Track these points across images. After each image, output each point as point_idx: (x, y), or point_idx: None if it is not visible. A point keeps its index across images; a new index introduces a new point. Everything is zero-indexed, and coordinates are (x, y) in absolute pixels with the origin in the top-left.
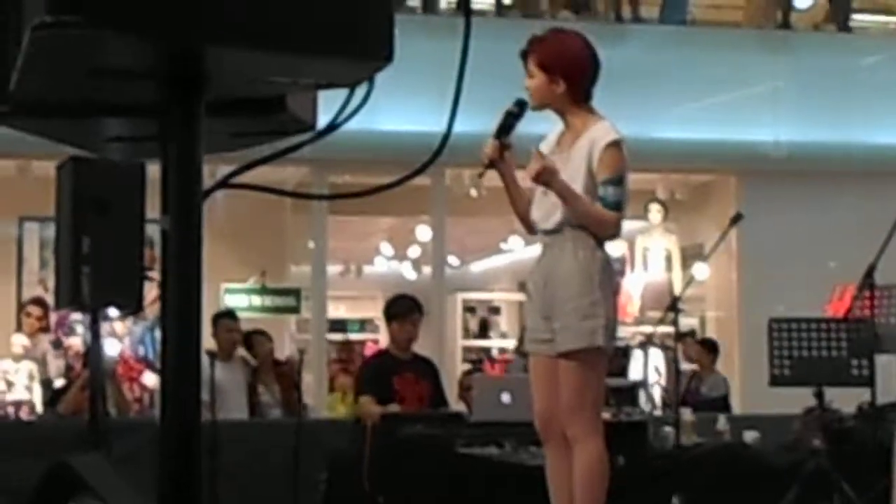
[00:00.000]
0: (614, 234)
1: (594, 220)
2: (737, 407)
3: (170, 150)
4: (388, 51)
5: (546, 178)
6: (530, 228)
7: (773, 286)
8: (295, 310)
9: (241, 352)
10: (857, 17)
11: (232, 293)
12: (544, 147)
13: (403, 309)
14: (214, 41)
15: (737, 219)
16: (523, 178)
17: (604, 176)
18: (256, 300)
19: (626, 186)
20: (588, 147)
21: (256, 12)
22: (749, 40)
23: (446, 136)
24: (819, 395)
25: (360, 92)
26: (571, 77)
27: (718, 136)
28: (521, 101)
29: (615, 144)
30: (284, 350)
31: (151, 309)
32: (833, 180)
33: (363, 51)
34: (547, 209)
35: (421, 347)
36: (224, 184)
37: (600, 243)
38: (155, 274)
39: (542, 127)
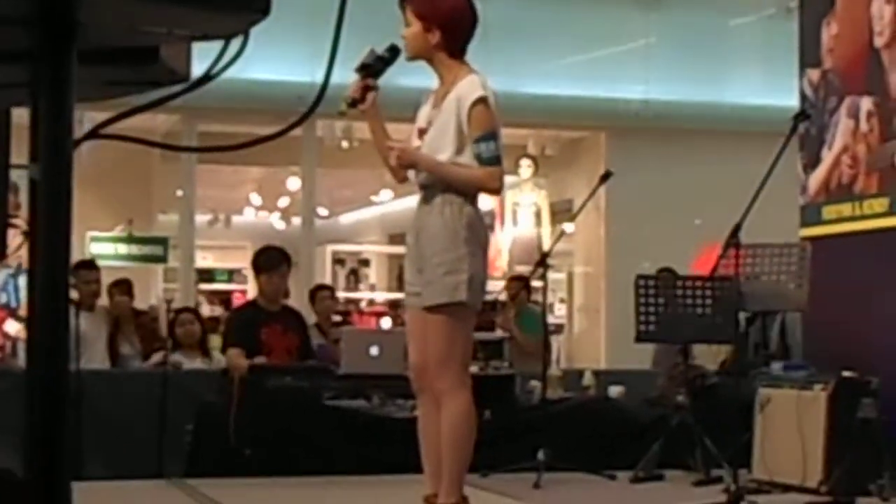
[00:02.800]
0: (498, 188)
1: (472, 184)
2: (603, 362)
3: (40, 98)
4: (265, 4)
5: (407, 162)
6: (398, 177)
7: (641, 242)
8: (162, 259)
9: (102, 302)
10: None
11: (98, 241)
12: (425, 105)
13: (271, 261)
14: None
15: (606, 177)
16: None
17: (476, 134)
18: (123, 249)
19: (499, 140)
20: (456, 104)
21: None
22: None
23: (324, 87)
24: (684, 352)
25: (236, 43)
26: (447, 28)
27: (589, 92)
28: (393, 47)
29: (481, 101)
30: (151, 300)
31: (14, 256)
32: (702, 139)
33: (239, 3)
34: None
35: (289, 299)
36: (95, 133)
37: (470, 199)
38: (18, 221)
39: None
